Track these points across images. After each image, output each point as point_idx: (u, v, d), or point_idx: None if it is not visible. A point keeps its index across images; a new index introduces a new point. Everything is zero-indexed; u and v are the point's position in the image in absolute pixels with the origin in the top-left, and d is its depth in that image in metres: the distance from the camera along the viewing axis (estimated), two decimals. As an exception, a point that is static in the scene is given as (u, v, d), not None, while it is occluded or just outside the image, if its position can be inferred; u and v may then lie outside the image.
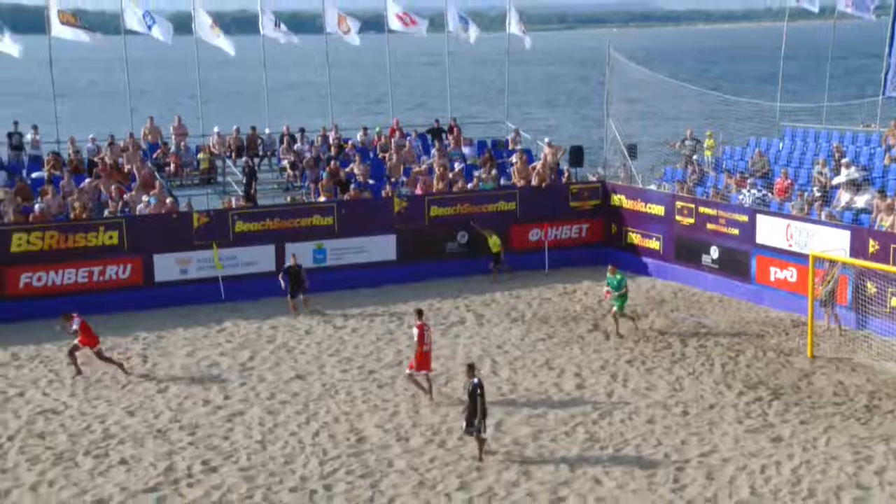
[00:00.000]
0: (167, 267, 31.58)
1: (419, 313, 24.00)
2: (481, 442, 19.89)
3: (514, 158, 37.89)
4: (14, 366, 26.49)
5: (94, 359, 25.67)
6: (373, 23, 42.82)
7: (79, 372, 25.62)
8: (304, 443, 21.27)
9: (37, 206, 31.44)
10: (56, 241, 30.56)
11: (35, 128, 36.40)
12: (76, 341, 25.58)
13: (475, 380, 19.83)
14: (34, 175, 33.90)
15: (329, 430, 21.91)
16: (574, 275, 34.49)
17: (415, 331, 23.48)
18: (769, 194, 32.62)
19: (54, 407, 23.60)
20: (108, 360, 25.81)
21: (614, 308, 28.02)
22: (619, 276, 27.91)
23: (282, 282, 30.59)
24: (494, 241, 33.98)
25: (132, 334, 28.75)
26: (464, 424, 20.02)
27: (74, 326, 25.44)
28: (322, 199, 34.26)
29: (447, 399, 23.45)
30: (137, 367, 26.21)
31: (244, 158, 36.68)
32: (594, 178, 37.92)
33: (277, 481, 19.53)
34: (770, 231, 30.72)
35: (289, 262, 30.90)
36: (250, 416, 22.76)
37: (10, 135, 35.81)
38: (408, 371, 23.81)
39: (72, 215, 31.34)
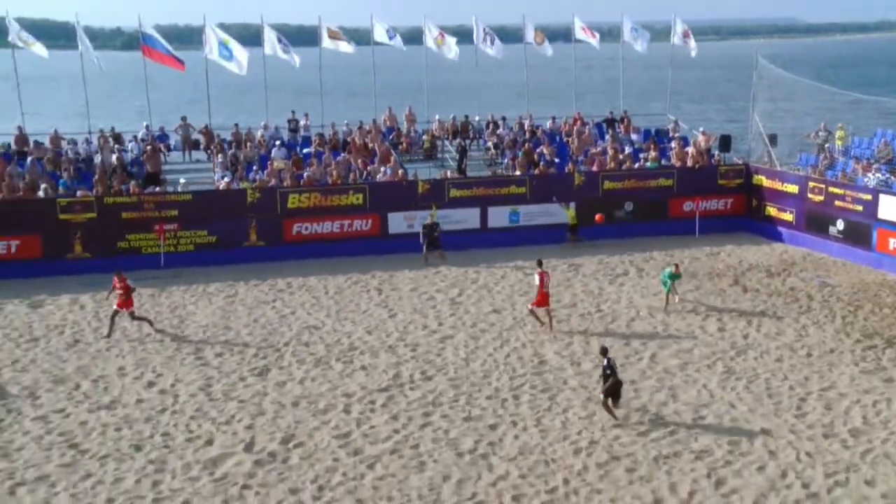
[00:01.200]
0: (398, 222, 32.17)
1: (539, 263, 24.13)
2: (608, 408, 18.37)
3: (672, 144, 37.00)
4: (288, 292, 27.57)
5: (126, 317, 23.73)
6: (560, 34, 42.41)
7: (154, 328, 23.78)
8: (498, 362, 21.59)
9: (306, 174, 32.67)
10: (318, 201, 31.59)
11: (306, 115, 37.68)
12: (118, 305, 23.38)
13: (605, 360, 18.35)
14: (304, 150, 35.01)
15: (518, 353, 22.17)
16: (719, 240, 33.50)
17: (536, 277, 23.61)
18: (892, 177, 30.84)
19: (315, 324, 24.60)
20: (141, 318, 23.87)
21: (664, 290, 25.76)
22: (668, 271, 25.53)
23: (421, 236, 30.88)
24: (571, 215, 33.10)
25: (370, 273, 29.45)
26: (601, 395, 18.45)
27: (132, 284, 23.60)
28: (517, 172, 34.35)
29: (613, 334, 23.42)
30: (374, 298, 27.00)
31: (458, 140, 37.06)
32: (739, 162, 36.65)
33: (477, 390, 19.93)
34: (891, 208, 29.08)
35: (427, 219, 31.03)
36: (458, 340, 23.21)
37: (289, 121, 37.24)
38: (529, 307, 24.03)
39: (329, 181, 32.38)
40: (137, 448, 17.33)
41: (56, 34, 40.54)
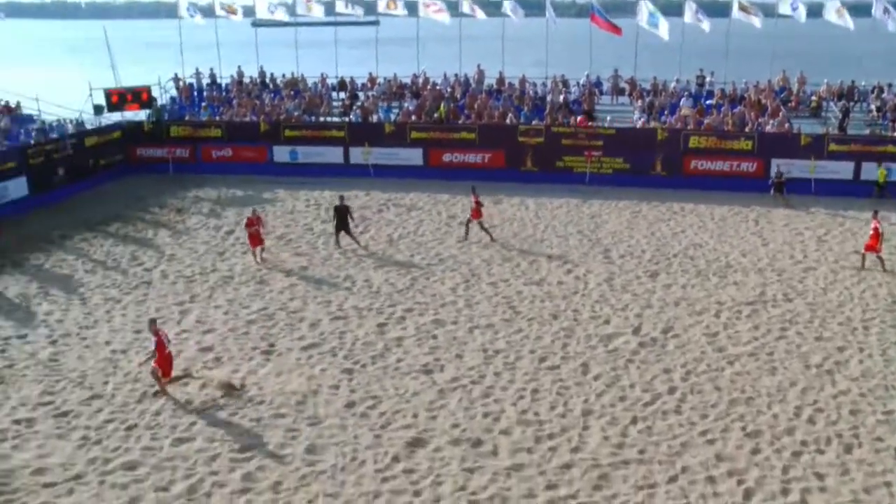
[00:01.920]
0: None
1: (875, 214, 20.92)
2: None
3: None
4: (681, 214, 26.10)
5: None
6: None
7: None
8: (853, 295, 19.00)
9: (706, 121, 30.33)
10: (714, 143, 29.35)
11: (712, 73, 34.54)
12: (472, 216, 22.83)
13: None
14: (707, 101, 32.43)
15: (873, 291, 19.17)
16: None
17: (873, 224, 20.43)
18: None
19: (700, 242, 23.24)
20: (486, 229, 22.78)
21: None
22: None
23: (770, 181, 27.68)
24: (882, 173, 27.29)
25: (750, 206, 26.88)
26: None
27: (482, 201, 22.77)
28: (895, 134, 29.01)
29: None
30: (751, 228, 24.73)
31: (842, 101, 32.06)
32: None
33: (831, 316, 17.81)
34: None
35: (774, 171, 27.87)
36: (819, 272, 20.61)
37: (697, 77, 34.38)
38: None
39: (725, 128, 29.92)
40: (555, 317, 18.07)
41: (530, 5, 41.66)
